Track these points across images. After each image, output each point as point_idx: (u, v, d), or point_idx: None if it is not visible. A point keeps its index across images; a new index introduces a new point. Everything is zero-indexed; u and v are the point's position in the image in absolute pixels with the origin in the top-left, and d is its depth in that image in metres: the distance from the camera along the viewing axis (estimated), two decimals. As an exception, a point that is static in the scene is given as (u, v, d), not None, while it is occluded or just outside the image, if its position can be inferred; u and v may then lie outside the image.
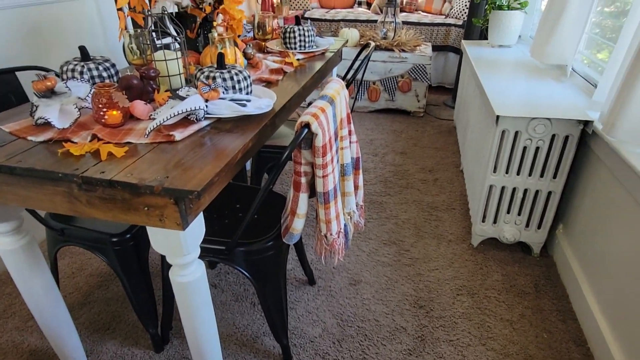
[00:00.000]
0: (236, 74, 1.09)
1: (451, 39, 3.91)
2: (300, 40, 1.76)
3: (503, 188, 1.78)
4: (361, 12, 4.38)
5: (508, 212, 1.83)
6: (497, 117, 1.60)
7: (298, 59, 1.72)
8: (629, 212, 1.32)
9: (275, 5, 3.92)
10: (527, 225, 1.84)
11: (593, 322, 1.43)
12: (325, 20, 4.22)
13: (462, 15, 3.94)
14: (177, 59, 1.20)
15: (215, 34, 1.37)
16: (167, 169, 0.87)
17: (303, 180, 1.06)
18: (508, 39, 2.70)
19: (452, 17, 4.08)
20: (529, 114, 1.57)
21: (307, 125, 0.96)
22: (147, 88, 1.13)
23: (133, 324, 1.54)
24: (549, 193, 1.74)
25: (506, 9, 2.62)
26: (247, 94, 1.14)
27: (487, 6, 2.74)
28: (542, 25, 2.13)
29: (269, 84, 1.40)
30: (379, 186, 2.44)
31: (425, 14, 4.40)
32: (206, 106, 1.03)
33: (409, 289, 1.68)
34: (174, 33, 1.26)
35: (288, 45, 1.78)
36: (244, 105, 1.04)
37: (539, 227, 1.83)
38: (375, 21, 4.08)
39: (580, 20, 1.90)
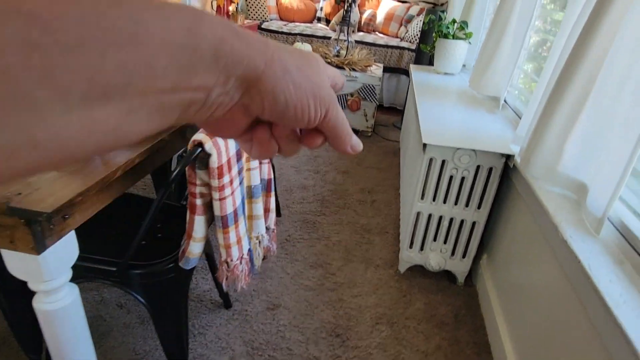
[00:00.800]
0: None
1: (404, 62, 3.98)
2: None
3: (430, 215, 1.77)
4: (319, 28, 4.38)
5: (434, 239, 1.83)
6: (424, 145, 1.59)
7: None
8: (539, 246, 1.33)
9: (230, 14, 3.85)
10: (453, 253, 1.84)
11: (503, 357, 1.42)
12: (282, 32, 4.19)
13: (416, 39, 4.03)
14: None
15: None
16: (25, 184, 0.76)
17: (199, 201, 0.98)
18: (452, 67, 2.76)
19: (406, 41, 4.16)
20: (455, 144, 1.58)
21: (201, 144, 0.89)
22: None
23: (18, 348, 1.38)
24: (474, 223, 1.75)
25: (451, 38, 2.68)
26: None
27: (434, 34, 2.79)
28: (479, 57, 2.18)
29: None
30: (315, 205, 2.39)
31: (382, 35, 4.47)
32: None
33: (329, 316, 1.63)
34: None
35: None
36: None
37: (463, 256, 1.83)
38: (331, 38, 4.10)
39: (513, 54, 1.96)
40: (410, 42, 4.11)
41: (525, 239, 1.47)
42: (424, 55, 3.39)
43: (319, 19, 4.79)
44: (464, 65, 3.00)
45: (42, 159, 0.16)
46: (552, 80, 1.43)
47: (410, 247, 1.86)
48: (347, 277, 1.85)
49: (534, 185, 1.36)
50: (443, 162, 1.64)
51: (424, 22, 3.07)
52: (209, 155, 0.90)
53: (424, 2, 4.55)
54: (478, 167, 1.63)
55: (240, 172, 1.05)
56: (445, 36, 2.69)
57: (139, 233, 0.98)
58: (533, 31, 2.03)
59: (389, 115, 4.08)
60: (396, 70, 4.04)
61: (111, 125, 0.17)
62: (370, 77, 3.26)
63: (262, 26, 4.23)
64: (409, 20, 4.32)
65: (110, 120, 0.17)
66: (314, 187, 2.58)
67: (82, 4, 0.15)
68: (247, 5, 4.42)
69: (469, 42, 2.71)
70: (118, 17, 0.16)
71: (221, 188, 0.95)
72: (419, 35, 3.92)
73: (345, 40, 3.42)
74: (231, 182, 0.99)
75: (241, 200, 1.07)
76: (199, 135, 0.88)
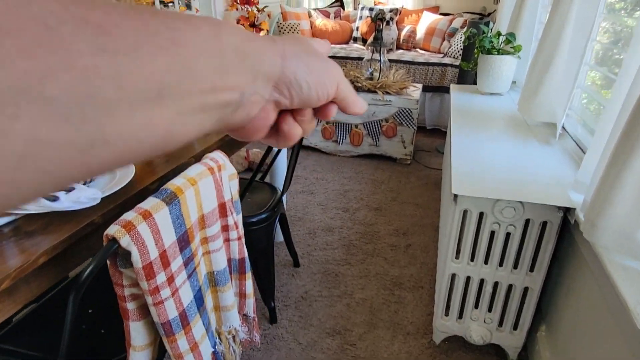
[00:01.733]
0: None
1: (447, 79, 3.63)
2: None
3: (468, 279, 1.43)
4: (354, 49, 4.16)
5: (476, 307, 1.48)
6: (455, 195, 1.28)
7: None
8: (607, 325, 0.96)
9: (259, 41, 3.74)
10: (501, 324, 1.48)
11: None
12: (315, 56, 4.00)
13: (459, 55, 3.67)
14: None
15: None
16: None
17: (131, 305, 0.76)
18: (498, 86, 2.39)
19: (450, 57, 3.81)
20: (495, 194, 1.24)
21: (114, 239, 0.66)
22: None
23: None
24: (526, 289, 1.38)
25: (496, 53, 2.32)
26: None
27: (476, 49, 2.45)
28: (529, 77, 1.81)
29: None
30: (340, 252, 2.11)
31: (422, 52, 4.15)
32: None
33: (341, 406, 1.33)
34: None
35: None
36: (55, 200, 0.75)
37: (514, 327, 1.46)
38: (367, 59, 3.84)
39: (571, 70, 1.58)
40: (454, 57, 3.74)
41: (591, 312, 1.10)
42: (469, 73, 3.03)
43: (355, 39, 4.56)
44: (514, 82, 2.60)
45: (110, 156, 0.17)
46: (629, 104, 1.06)
47: (446, 314, 1.52)
48: (369, 348, 1.55)
49: (602, 255, 0.99)
50: (481, 214, 1.31)
51: (464, 38, 2.73)
52: (128, 253, 0.68)
53: (468, 13, 4.17)
54: (527, 220, 1.28)
55: (189, 261, 0.81)
56: (489, 52, 2.33)
57: (63, 336, 0.77)
58: (598, 36, 1.64)
59: (432, 138, 3.72)
60: (439, 89, 3.68)
61: (165, 125, 0.19)
62: (406, 100, 2.96)
63: (295, 51, 4.08)
64: (452, 33, 3.96)
65: (164, 120, 0.19)
66: (340, 229, 2.30)
67: (130, 15, 0.17)
68: (280, 31, 4.31)
69: (518, 57, 2.33)
70: (159, 24, 0.18)
71: (154, 291, 0.72)
72: (462, 51, 3.56)
73: (378, 61, 3.15)
74: (171, 279, 0.75)
75: (195, 295, 0.84)
76: (113, 228, 0.66)
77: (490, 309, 1.47)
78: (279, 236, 2.18)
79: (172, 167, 1.02)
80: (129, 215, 0.68)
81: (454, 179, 1.31)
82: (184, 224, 0.78)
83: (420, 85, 3.28)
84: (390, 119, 3.04)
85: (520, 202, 1.23)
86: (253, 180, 1.32)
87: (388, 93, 3.01)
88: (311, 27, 4.55)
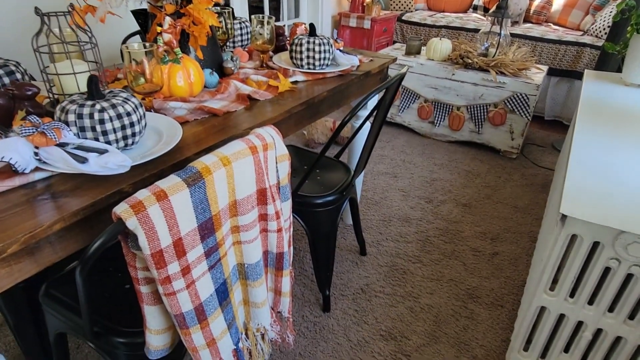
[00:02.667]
0: (100, 111, 0.75)
1: (582, 63, 3.03)
2: (308, 57, 1.35)
3: (562, 317, 1.15)
4: (473, 19, 3.68)
5: (566, 351, 1.20)
6: (563, 216, 1.00)
7: (296, 81, 1.31)
8: None
9: (365, 4, 3.48)
10: (597, 379, 1.18)
11: None
12: (425, 25, 3.64)
13: (604, 34, 3.02)
14: (76, 73, 0.91)
15: (161, 43, 1.05)
16: None
17: (144, 289, 0.69)
18: (652, 78, 1.88)
19: (590, 35, 3.16)
20: (618, 224, 0.94)
21: (120, 220, 0.59)
22: (16, 112, 0.86)
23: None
24: (641, 348, 1.07)
25: (657, 34, 1.81)
26: (133, 134, 0.79)
27: (629, 27, 1.94)
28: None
29: (213, 115, 1.03)
30: (413, 247, 1.91)
31: (556, 27, 3.51)
32: (35, 154, 0.72)
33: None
34: (83, 36, 0.97)
35: (295, 62, 1.38)
36: (83, 162, 0.70)
37: (615, 388, 1.16)
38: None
39: None
40: (597, 36, 3.10)
41: None
42: (613, 57, 2.46)
43: (476, 8, 4.03)
44: (676, 74, 2.03)
45: None
46: None
47: (525, 349, 1.27)
48: (424, 364, 1.37)
49: None
50: (595, 245, 1.02)
51: (615, 12, 2.19)
52: (135, 237, 0.60)
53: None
54: (663, 265, 0.96)
55: (213, 251, 0.71)
56: (648, 32, 1.83)
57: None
58: None
59: (549, 131, 3.19)
60: (570, 73, 3.10)
61: None
62: (524, 83, 2.52)
63: (403, 17, 3.75)
64: (600, 6, 3.26)
65: None
66: (419, 221, 2.09)
67: None
68: (391, -5, 3.98)
69: (690, 41, 1.79)
70: None
71: (165, 281, 0.64)
72: (609, 29, 2.92)
73: (497, 35, 2.72)
74: (186, 270, 0.67)
75: (217, 289, 0.74)
76: (121, 207, 0.58)
77: (584, 358, 1.18)
78: (349, 218, 2.05)
79: (225, 137, 0.92)
80: (141, 194, 0.60)
81: (566, 194, 1.03)
82: (208, 209, 0.68)
83: (545, 68, 2.77)
84: (501, 104, 2.63)
85: (658, 240, 0.91)
86: (322, 155, 1.19)
87: (503, 73, 2.59)
88: (427, -9, 4.13)
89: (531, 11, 3.65)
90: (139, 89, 0.94)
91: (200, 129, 0.96)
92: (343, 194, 1.46)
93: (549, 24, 3.62)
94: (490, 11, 2.71)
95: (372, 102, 1.76)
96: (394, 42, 3.86)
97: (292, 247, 0.99)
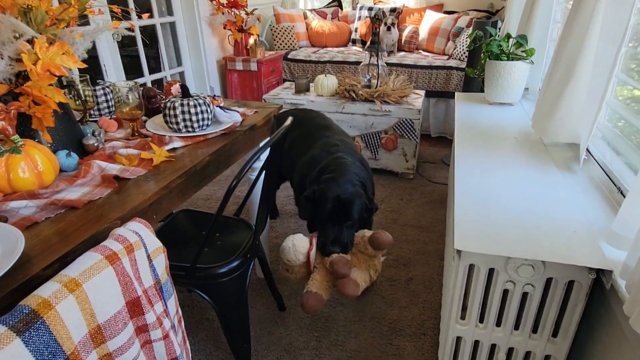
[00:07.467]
0: None
1: (452, 84, 3.35)
2: (184, 120, 1.26)
3: (477, 343, 1.18)
4: (353, 52, 3.89)
5: (487, 374, 1.22)
6: (458, 250, 1.02)
7: (173, 149, 1.21)
8: None
9: (249, 48, 3.50)
10: (518, 394, 1.22)
11: None
12: (310, 61, 3.76)
13: (466, 57, 3.39)
14: None
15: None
16: None
17: None
18: (508, 96, 2.12)
19: (455, 59, 3.53)
20: (505, 252, 0.99)
21: None
22: None
23: None
24: (547, 357, 1.13)
25: (505, 58, 2.05)
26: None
27: (482, 54, 2.18)
28: (545, 91, 1.54)
29: (71, 208, 0.88)
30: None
31: (426, 53, 3.87)
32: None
33: None
34: None
35: (171, 126, 1.28)
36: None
37: (535, 399, 1.20)
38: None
39: (598, 81, 1.31)
40: (460, 59, 3.47)
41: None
42: (475, 79, 2.75)
43: (354, 42, 4.30)
44: (526, 89, 2.33)
45: None
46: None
47: (451, 380, 1.27)
48: (359, 420, 1.30)
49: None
50: (490, 271, 1.06)
51: (469, 41, 2.46)
52: None
53: (474, 10, 3.88)
54: (549, 279, 1.02)
55: None
56: (497, 57, 2.06)
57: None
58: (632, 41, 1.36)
59: (437, 147, 3.45)
60: (444, 94, 3.41)
61: None
62: (407, 110, 2.69)
63: (289, 56, 3.83)
64: (458, 33, 3.67)
65: None
66: (333, 260, 2.05)
67: None
68: (273, 35, 4.06)
69: (531, 62, 2.06)
70: None
71: None
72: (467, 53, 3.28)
73: (376, 66, 2.89)
74: None
75: None
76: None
77: (504, 378, 1.21)
78: (260, 271, 1.95)
79: (86, 237, 0.78)
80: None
81: (457, 229, 1.06)
82: (60, 351, 0.55)
83: (422, 92, 3.01)
84: (390, 130, 2.78)
85: (542, 261, 0.97)
86: (219, 216, 1.09)
87: (387, 102, 2.75)
88: (307, 29, 4.30)
89: (402, 41, 3.98)
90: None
91: (53, 231, 0.80)
92: (248, 256, 1.36)
93: (420, 51, 3.98)
94: (367, 45, 2.88)
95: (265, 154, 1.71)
96: (284, 81, 3.92)
97: (187, 343, 0.86)
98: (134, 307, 0.66)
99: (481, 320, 1.15)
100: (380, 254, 1.45)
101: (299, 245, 1.37)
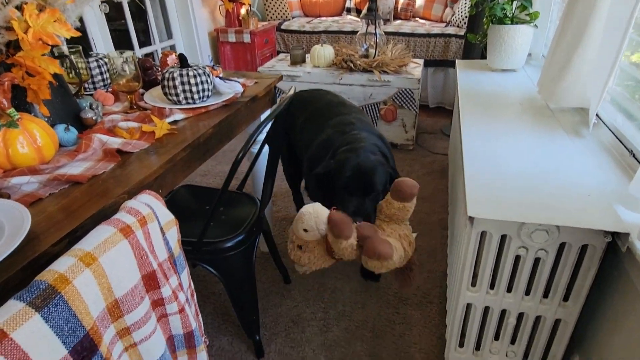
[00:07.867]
0: None
1: (451, 52, 3.28)
2: (184, 91, 1.21)
3: (487, 309, 1.18)
4: (348, 21, 3.79)
5: (496, 338, 1.24)
6: (471, 217, 1.01)
7: (175, 121, 1.17)
8: None
9: (241, 18, 3.38)
10: (526, 356, 1.24)
11: None
12: (305, 32, 3.65)
13: (464, 23, 3.31)
14: None
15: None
16: None
17: None
18: (512, 62, 2.08)
19: (453, 26, 3.44)
20: (520, 217, 0.98)
21: None
22: None
23: None
24: (558, 321, 1.14)
25: (509, 22, 2.00)
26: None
27: (484, 19, 2.12)
28: (553, 54, 1.51)
29: (75, 184, 0.85)
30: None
31: (423, 21, 3.77)
32: None
33: None
34: None
35: (170, 98, 1.23)
36: None
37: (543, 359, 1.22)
38: (362, 32, 3.48)
39: (610, 43, 1.27)
40: (458, 26, 3.39)
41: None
42: (475, 46, 2.69)
43: (349, 10, 4.18)
44: (529, 55, 2.28)
45: None
46: None
47: (461, 345, 1.29)
48: (370, 387, 1.32)
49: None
50: (503, 238, 1.05)
51: (470, 5, 2.39)
52: None
53: (473, -26, 3.76)
54: (563, 244, 1.02)
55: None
56: (500, 21, 2.01)
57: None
58: None
59: (436, 118, 3.41)
60: (442, 63, 3.35)
61: None
62: (406, 79, 2.64)
63: (282, 27, 3.72)
64: (456, -1, 3.58)
65: None
66: (336, 232, 2.05)
67: None
68: (265, 5, 3.93)
69: (535, 26, 2.01)
70: None
71: None
72: (467, 19, 3.20)
73: (374, 35, 2.81)
74: None
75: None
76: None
77: (513, 341, 1.23)
78: (264, 245, 1.94)
79: (94, 212, 0.76)
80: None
81: (469, 196, 1.04)
82: (80, 326, 0.53)
83: (421, 61, 2.95)
84: (389, 101, 2.73)
85: (557, 226, 0.96)
86: (224, 192, 1.06)
87: (386, 72, 2.69)
88: (300, -2, 4.16)
89: (398, 8, 3.87)
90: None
91: (58, 207, 0.77)
92: (253, 229, 1.34)
93: (416, 18, 3.88)
94: (362, 13, 2.79)
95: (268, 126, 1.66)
96: (278, 53, 3.82)
97: (200, 316, 0.85)
98: (150, 281, 0.64)
99: (492, 286, 1.15)
100: (407, 210, 1.30)
101: (321, 212, 1.15)
